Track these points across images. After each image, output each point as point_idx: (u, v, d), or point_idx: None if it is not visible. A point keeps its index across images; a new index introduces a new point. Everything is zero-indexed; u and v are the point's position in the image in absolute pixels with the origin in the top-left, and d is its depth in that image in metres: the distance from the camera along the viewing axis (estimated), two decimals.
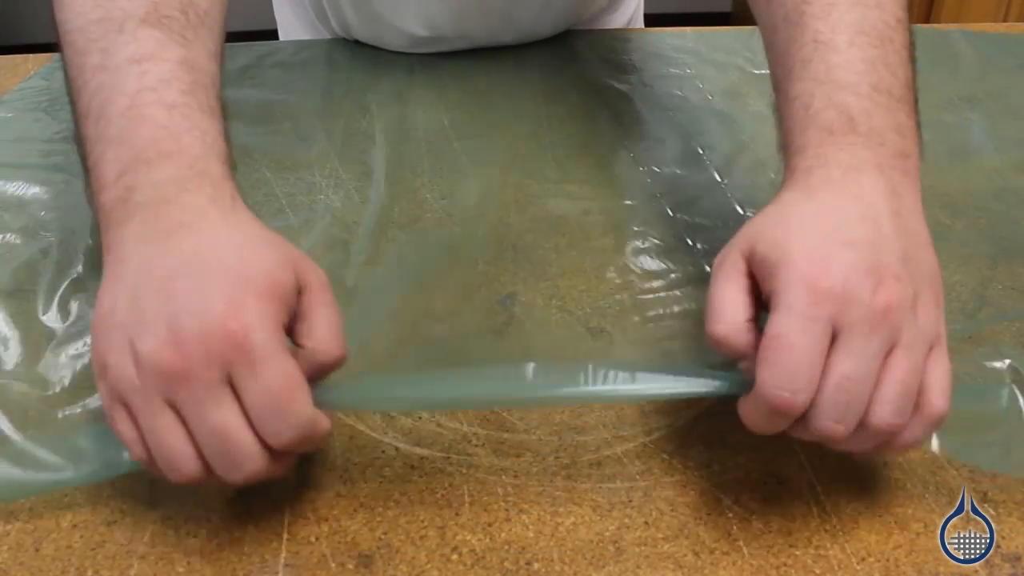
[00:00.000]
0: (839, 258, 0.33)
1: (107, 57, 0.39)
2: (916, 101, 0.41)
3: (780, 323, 0.33)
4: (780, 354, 0.32)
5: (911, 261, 0.35)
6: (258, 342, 0.32)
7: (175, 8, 0.41)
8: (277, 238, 0.36)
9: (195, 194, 0.36)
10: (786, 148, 0.40)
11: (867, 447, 0.34)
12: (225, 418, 0.32)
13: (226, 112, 0.42)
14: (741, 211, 0.59)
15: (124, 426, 0.34)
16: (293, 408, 0.33)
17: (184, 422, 0.33)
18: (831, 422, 0.33)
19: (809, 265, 0.33)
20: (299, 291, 0.35)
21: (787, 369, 0.32)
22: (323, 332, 0.35)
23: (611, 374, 0.36)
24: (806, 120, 0.39)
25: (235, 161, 0.40)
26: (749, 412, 0.35)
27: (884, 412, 0.33)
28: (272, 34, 0.94)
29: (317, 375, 0.35)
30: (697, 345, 0.47)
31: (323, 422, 0.34)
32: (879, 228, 0.35)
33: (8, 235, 0.56)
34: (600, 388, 0.36)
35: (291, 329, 0.35)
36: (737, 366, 0.36)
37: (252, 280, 0.33)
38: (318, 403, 0.34)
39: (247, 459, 0.33)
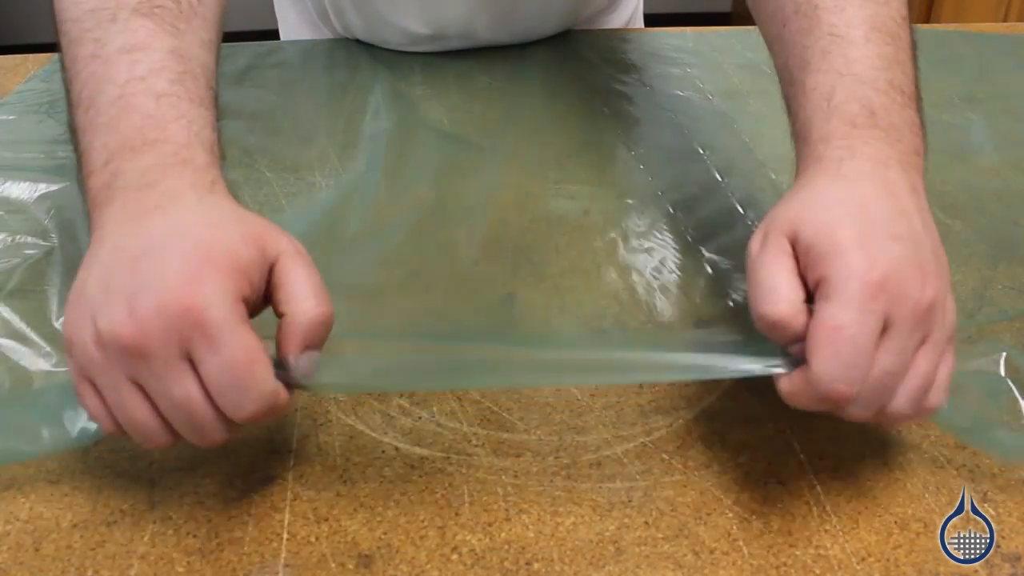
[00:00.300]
0: (891, 252, 0.34)
1: (99, 47, 0.40)
2: (920, 99, 0.41)
3: (839, 315, 0.33)
4: (840, 347, 0.33)
5: (939, 258, 0.36)
6: (215, 317, 0.32)
7: None
8: (248, 215, 0.37)
9: (176, 180, 0.36)
10: (806, 136, 0.40)
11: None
12: (187, 393, 0.33)
13: (218, 101, 0.42)
14: (742, 211, 0.59)
15: (92, 402, 0.34)
16: (253, 383, 0.33)
17: (148, 396, 0.33)
18: (863, 410, 0.34)
19: (865, 258, 0.33)
20: (272, 263, 0.35)
21: (847, 363, 0.33)
22: (300, 293, 0.35)
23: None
24: (829, 111, 0.39)
25: (223, 151, 0.40)
26: (795, 394, 0.35)
27: (902, 402, 0.34)
28: (273, 34, 0.94)
29: (307, 338, 0.35)
30: (697, 344, 0.47)
31: (283, 394, 0.34)
32: (912, 224, 0.36)
33: (16, 237, 0.56)
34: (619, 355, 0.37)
35: (271, 301, 0.36)
36: (788, 350, 0.35)
37: (212, 256, 0.33)
38: (313, 387, 0.35)
39: (211, 431, 0.34)
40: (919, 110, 0.40)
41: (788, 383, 0.35)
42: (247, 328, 0.33)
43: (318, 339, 0.35)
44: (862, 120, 0.38)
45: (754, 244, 0.37)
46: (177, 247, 0.33)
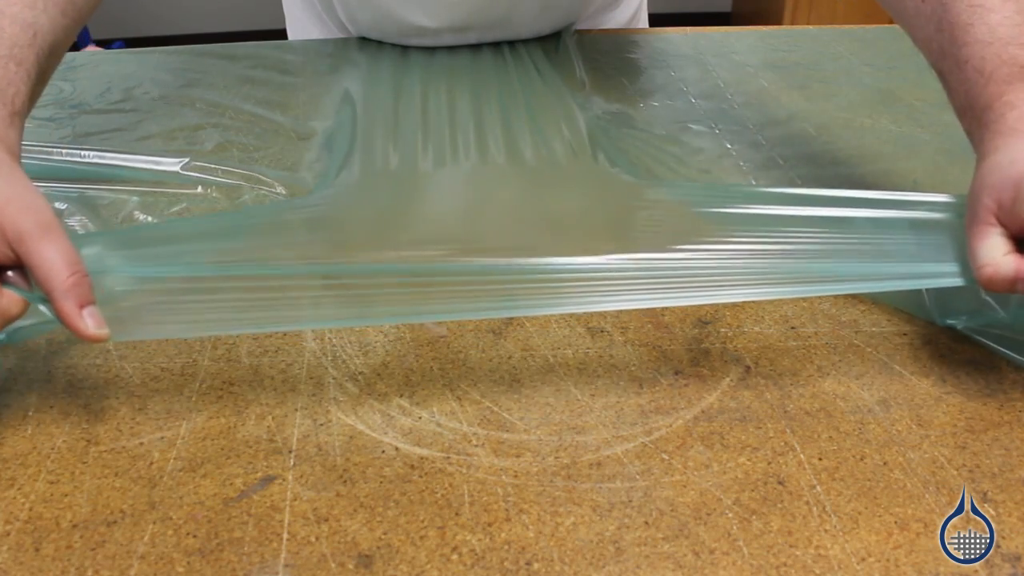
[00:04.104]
0: None
1: None
2: None
3: None
4: None
5: None
6: None
7: None
8: None
9: None
10: (970, 109, 0.44)
11: None
12: None
13: (43, 56, 0.45)
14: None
15: None
16: None
17: None
18: None
19: None
20: (14, 243, 0.38)
21: None
22: (50, 272, 0.38)
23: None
24: (984, 81, 0.43)
25: (19, 105, 0.43)
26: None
27: None
28: (279, 33, 0.94)
29: (71, 307, 0.38)
30: (697, 342, 0.47)
31: (15, 308, 0.38)
32: None
33: None
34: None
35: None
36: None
37: None
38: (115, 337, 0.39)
39: None
40: None
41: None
42: None
43: (84, 300, 0.38)
44: (1015, 76, 0.42)
45: (967, 221, 0.41)
46: None
